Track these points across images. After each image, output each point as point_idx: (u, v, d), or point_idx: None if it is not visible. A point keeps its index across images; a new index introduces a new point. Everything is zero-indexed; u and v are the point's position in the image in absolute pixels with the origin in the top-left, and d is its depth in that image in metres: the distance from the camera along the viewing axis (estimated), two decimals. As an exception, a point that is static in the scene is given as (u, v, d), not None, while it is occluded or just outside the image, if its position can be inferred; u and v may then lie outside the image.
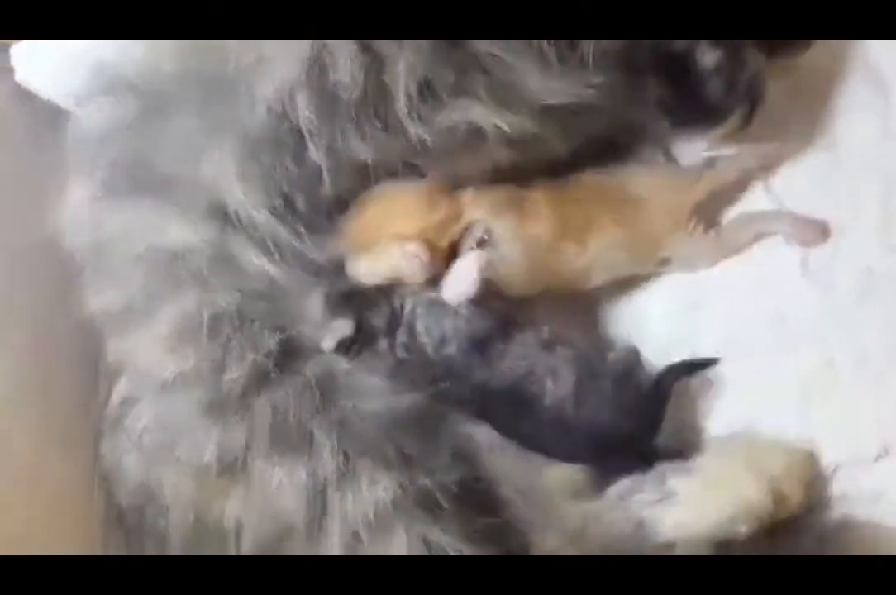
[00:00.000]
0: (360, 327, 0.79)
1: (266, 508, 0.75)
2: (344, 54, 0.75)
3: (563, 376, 0.79)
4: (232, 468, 0.75)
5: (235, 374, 0.76)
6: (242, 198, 0.77)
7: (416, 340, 0.80)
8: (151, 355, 0.78)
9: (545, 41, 0.75)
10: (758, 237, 0.84)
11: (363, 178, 0.80)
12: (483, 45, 0.75)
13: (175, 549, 0.78)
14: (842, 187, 0.84)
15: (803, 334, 0.83)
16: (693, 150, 0.86)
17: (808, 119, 0.84)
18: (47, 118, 0.89)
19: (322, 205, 0.80)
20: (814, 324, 0.83)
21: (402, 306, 0.81)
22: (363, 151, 0.77)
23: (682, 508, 0.78)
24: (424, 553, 0.73)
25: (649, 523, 0.78)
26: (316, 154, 0.77)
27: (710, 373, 0.83)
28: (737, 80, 0.78)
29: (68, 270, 0.81)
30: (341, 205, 0.80)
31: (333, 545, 0.74)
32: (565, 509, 0.80)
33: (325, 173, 0.78)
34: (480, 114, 0.77)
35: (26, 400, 0.81)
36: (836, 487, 0.80)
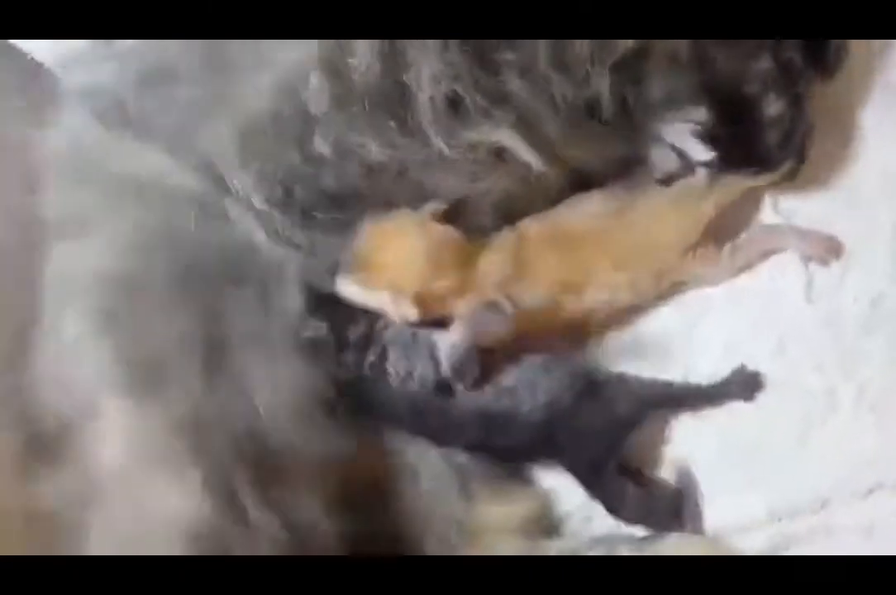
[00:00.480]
0: (332, 333, 0.77)
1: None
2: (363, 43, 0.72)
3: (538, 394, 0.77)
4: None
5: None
6: (239, 177, 0.75)
7: (383, 365, 0.78)
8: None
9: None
10: (768, 253, 0.82)
11: (369, 178, 0.77)
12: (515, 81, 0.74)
13: None
14: (854, 213, 0.82)
15: (805, 361, 0.81)
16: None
17: (825, 141, 0.82)
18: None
19: (321, 200, 0.77)
20: (816, 351, 0.81)
21: (380, 328, 0.78)
22: (374, 149, 0.75)
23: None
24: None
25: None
26: (322, 145, 0.74)
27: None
28: (794, 132, 0.78)
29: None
30: (341, 203, 0.77)
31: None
32: (498, 543, 0.78)
33: (328, 168, 0.75)
34: (507, 136, 0.76)
35: None
36: (828, 519, 0.77)
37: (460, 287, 0.78)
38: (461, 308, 0.77)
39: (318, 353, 0.75)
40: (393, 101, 0.74)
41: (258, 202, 0.75)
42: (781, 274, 0.83)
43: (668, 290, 0.83)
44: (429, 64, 0.73)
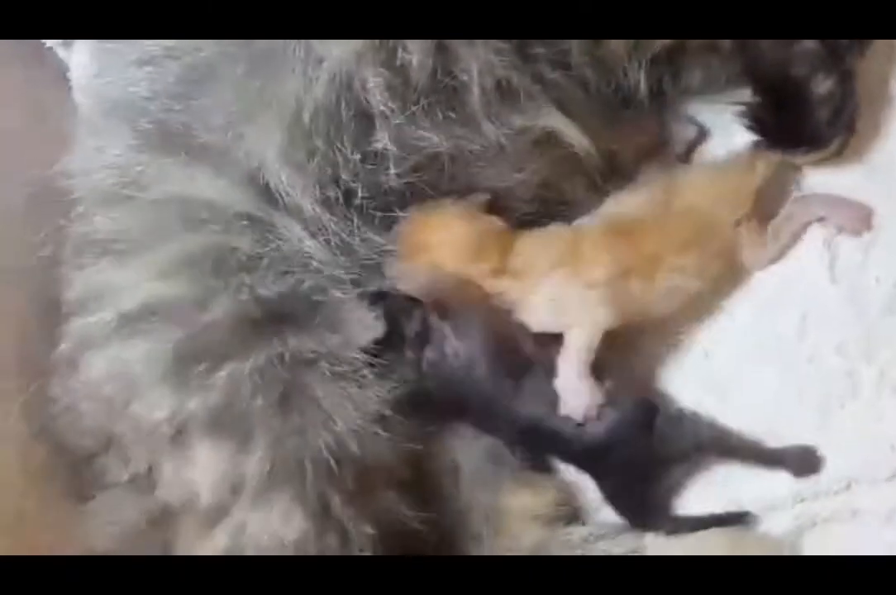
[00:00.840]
0: (390, 331, 0.76)
1: (185, 483, 0.71)
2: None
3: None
4: (179, 433, 0.71)
5: (216, 316, 0.71)
6: (286, 182, 0.73)
7: (445, 360, 0.77)
8: (130, 281, 0.73)
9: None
10: (806, 226, 0.82)
11: (433, 169, 0.76)
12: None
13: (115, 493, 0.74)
14: (881, 194, 0.82)
15: (827, 343, 0.81)
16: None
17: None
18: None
19: (384, 197, 0.76)
20: (838, 332, 0.81)
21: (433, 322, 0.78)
22: (434, 139, 0.74)
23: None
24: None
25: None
26: (384, 138, 0.73)
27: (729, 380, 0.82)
28: (844, 108, 0.78)
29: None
30: (404, 198, 0.76)
31: (217, 541, 0.70)
32: (523, 532, 0.79)
33: (391, 161, 0.73)
34: (558, 120, 0.76)
35: None
36: (852, 501, 0.79)
37: (499, 271, 0.78)
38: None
39: (383, 358, 0.76)
40: (447, 92, 0.73)
41: (309, 208, 0.74)
42: (805, 254, 0.83)
43: (730, 276, 0.83)
44: (477, 55, 0.73)
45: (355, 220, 0.75)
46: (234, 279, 0.73)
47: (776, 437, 0.80)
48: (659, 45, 0.75)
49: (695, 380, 0.83)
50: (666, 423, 0.78)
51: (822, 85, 0.77)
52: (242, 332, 0.72)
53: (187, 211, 0.74)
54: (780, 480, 0.80)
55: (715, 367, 0.83)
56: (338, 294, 0.75)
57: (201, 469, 0.69)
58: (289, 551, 0.68)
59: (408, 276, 0.76)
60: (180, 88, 0.75)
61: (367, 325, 0.75)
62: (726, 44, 0.77)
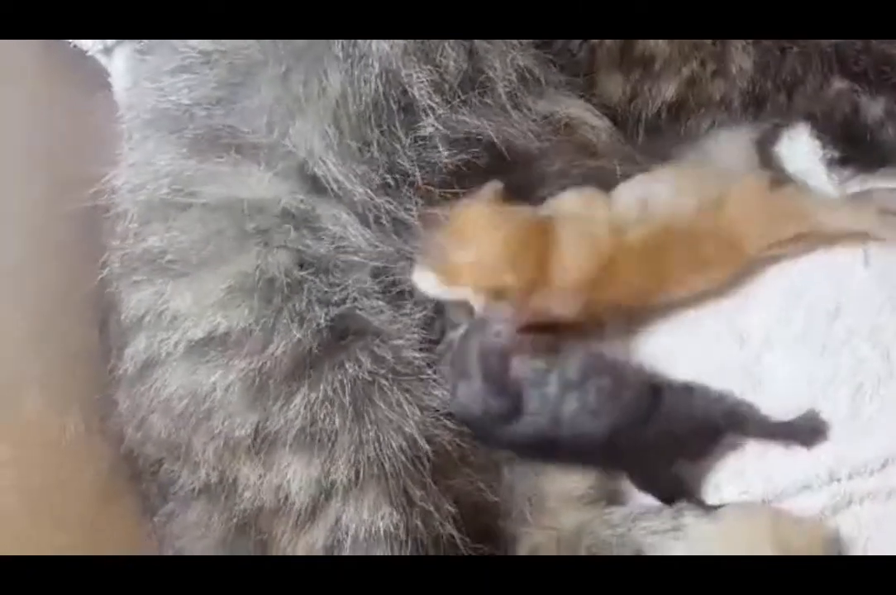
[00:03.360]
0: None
1: (274, 488, 0.75)
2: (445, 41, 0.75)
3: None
4: (261, 447, 0.75)
5: (280, 349, 0.75)
6: (335, 169, 0.76)
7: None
8: (193, 309, 0.76)
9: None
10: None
11: (484, 149, 0.78)
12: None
13: (184, 497, 0.78)
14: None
15: (860, 326, 0.83)
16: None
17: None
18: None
19: (440, 177, 0.78)
20: (871, 316, 0.83)
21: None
22: (477, 123, 0.77)
23: (688, 547, 0.78)
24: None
25: (648, 552, 0.78)
26: (431, 124, 0.76)
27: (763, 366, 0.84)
28: None
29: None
30: (461, 176, 0.79)
31: (314, 543, 0.75)
32: (564, 512, 0.82)
33: (439, 142, 0.76)
34: (580, 108, 0.79)
35: (35, 352, 0.79)
36: (887, 480, 0.81)
37: (535, 281, 0.78)
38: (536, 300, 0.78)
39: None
40: (479, 86, 0.77)
41: (362, 193, 0.76)
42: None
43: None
44: (500, 51, 0.76)
45: (414, 199, 0.78)
46: (287, 310, 0.75)
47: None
48: (659, 101, 0.80)
49: (730, 366, 0.85)
50: (674, 400, 0.79)
51: (872, 109, 0.79)
52: (306, 362, 0.75)
53: (236, 219, 0.76)
54: (814, 459, 0.82)
55: (749, 354, 0.85)
56: (381, 303, 0.78)
57: (291, 476, 0.74)
58: (381, 539, 0.74)
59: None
60: (222, 93, 0.77)
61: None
62: (736, 102, 0.81)
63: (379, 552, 0.74)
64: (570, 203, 0.82)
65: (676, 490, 0.81)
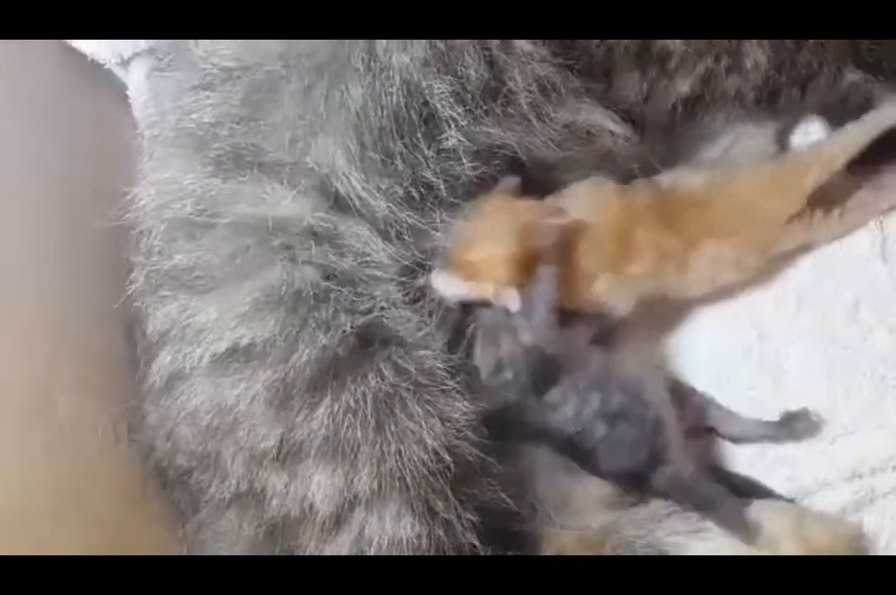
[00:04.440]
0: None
1: (299, 497, 0.76)
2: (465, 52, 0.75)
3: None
4: (287, 457, 0.76)
5: (304, 357, 0.75)
6: (358, 185, 0.76)
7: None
8: (217, 322, 0.76)
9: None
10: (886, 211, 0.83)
11: (505, 161, 0.79)
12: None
13: (215, 506, 0.79)
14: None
15: (879, 321, 0.83)
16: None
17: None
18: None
19: (463, 188, 0.79)
20: (890, 311, 0.83)
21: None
22: (500, 133, 0.77)
23: (712, 547, 0.78)
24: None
25: (670, 552, 0.78)
26: (454, 136, 0.76)
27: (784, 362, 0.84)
28: None
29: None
30: (484, 187, 0.79)
31: (340, 544, 0.76)
32: (590, 514, 0.82)
33: (463, 154, 0.77)
34: (601, 115, 0.79)
35: (66, 359, 0.79)
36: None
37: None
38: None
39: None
40: (500, 96, 0.77)
41: (384, 207, 0.77)
42: (856, 235, 0.84)
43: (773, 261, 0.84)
44: (519, 62, 0.77)
45: (438, 212, 0.78)
46: (313, 319, 0.76)
47: (832, 417, 0.82)
48: (674, 97, 0.80)
49: (750, 361, 0.85)
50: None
51: (887, 100, 0.79)
52: (329, 371, 0.75)
53: (261, 236, 0.77)
54: (835, 457, 0.82)
55: (770, 349, 0.85)
56: (407, 312, 0.79)
57: (316, 486, 0.75)
58: (404, 550, 0.74)
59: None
60: (244, 110, 0.77)
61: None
62: (749, 98, 0.81)
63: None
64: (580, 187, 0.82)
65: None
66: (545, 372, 0.79)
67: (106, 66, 0.91)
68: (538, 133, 0.79)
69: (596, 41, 0.79)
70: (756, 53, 0.79)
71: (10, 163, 0.78)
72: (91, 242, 0.82)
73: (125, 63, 0.92)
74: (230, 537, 0.78)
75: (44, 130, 0.84)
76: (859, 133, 0.81)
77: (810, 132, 0.88)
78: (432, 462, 0.75)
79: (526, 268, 0.78)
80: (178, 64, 0.82)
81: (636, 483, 0.80)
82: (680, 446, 0.79)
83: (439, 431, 0.76)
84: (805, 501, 0.82)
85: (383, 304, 0.78)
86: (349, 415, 0.75)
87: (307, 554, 0.76)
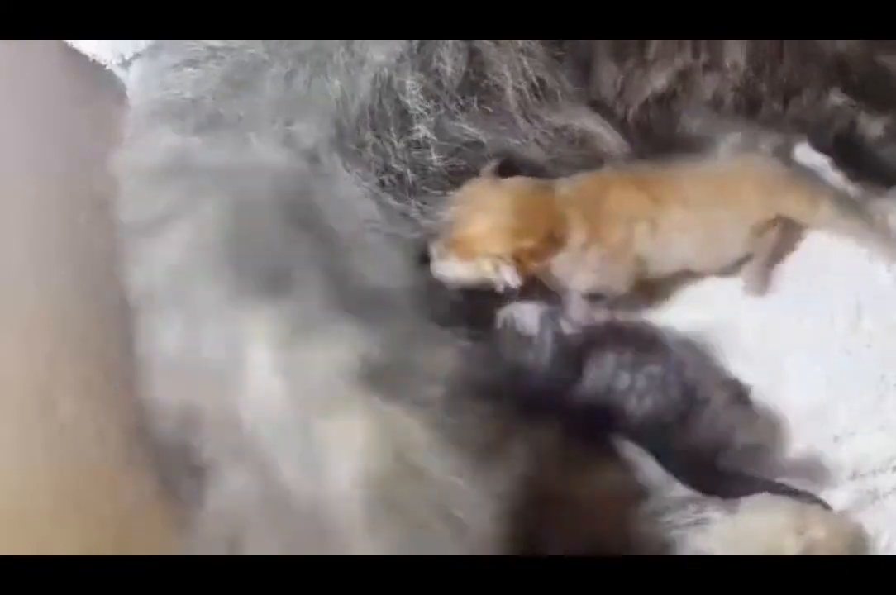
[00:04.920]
0: None
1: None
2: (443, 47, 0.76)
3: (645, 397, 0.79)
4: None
5: None
6: (339, 166, 0.77)
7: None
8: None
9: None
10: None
11: (476, 154, 0.80)
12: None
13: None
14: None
15: (881, 324, 0.84)
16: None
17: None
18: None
19: (433, 179, 0.79)
20: (892, 314, 0.84)
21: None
22: (473, 130, 0.78)
23: (712, 540, 0.78)
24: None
25: (674, 546, 0.78)
26: (424, 130, 0.77)
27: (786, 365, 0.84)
28: None
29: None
30: (455, 178, 0.80)
31: None
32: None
33: (432, 148, 0.78)
34: (595, 122, 0.79)
35: (67, 358, 0.78)
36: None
37: (550, 238, 0.80)
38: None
39: None
40: (481, 92, 0.78)
41: (361, 188, 0.78)
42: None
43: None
44: (509, 58, 0.77)
45: (411, 199, 0.79)
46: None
47: (833, 417, 0.83)
48: (648, 91, 0.81)
49: (753, 364, 0.85)
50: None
51: (872, 127, 0.79)
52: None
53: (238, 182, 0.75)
54: (837, 456, 0.82)
55: (772, 352, 0.85)
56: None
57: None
58: None
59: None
60: (227, 88, 0.79)
61: None
62: (727, 101, 0.81)
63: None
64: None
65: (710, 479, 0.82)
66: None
67: (107, 67, 0.91)
68: (521, 133, 0.79)
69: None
70: (735, 53, 0.79)
71: (11, 163, 0.78)
72: (91, 242, 0.82)
73: (126, 64, 0.92)
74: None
75: (44, 131, 0.84)
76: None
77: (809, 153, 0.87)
78: None
79: (522, 239, 0.79)
80: (168, 45, 0.83)
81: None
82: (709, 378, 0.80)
83: None
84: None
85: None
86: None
87: None
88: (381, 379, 0.65)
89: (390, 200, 0.78)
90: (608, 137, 0.81)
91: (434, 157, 0.78)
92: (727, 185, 0.84)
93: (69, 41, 0.89)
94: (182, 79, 0.80)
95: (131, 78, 0.92)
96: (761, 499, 0.80)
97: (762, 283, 0.85)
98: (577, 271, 0.82)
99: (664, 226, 0.83)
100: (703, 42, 0.79)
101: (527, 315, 0.81)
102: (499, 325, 0.81)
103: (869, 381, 0.83)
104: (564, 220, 0.81)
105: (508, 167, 0.82)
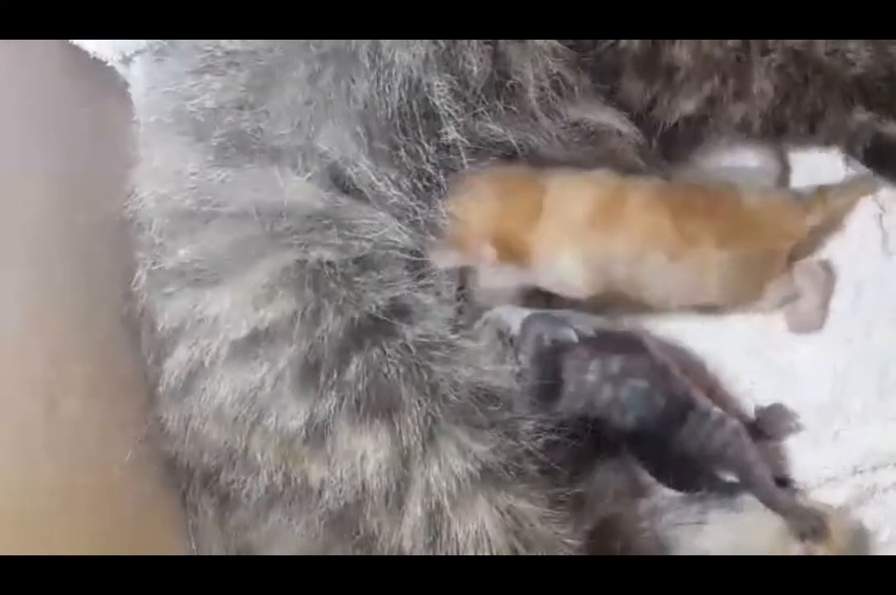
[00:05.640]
0: None
1: (348, 474, 0.73)
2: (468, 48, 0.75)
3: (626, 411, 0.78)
4: (319, 435, 0.73)
5: (331, 328, 0.74)
6: (369, 172, 0.76)
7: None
8: (233, 310, 0.74)
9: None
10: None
11: (506, 155, 0.79)
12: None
13: (259, 503, 0.77)
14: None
15: (882, 315, 0.83)
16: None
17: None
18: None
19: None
20: (893, 305, 0.83)
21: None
22: (499, 131, 0.77)
23: (710, 540, 0.79)
24: (507, 523, 0.73)
25: (671, 546, 0.79)
26: (453, 132, 0.76)
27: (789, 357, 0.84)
28: None
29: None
30: None
31: (416, 519, 0.73)
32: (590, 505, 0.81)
33: (462, 151, 0.77)
34: (610, 115, 0.79)
35: (70, 358, 0.78)
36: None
37: (531, 221, 0.80)
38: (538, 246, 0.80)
39: None
40: (506, 92, 0.77)
41: (394, 195, 0.77)
42: (857, 229, 0.85)
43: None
44: (531, 57, 0.76)
45: (441, 203, 0.79)
46: (335, 294, 0.75)
47: (837, 410, 0.83)
48: (678, 115, 0.80)
49: (756, 358, 0.85)
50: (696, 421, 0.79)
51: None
52: (359, 331, 0.74)
53: (267, 222, 0.75)
54: (839, 454, 0.82)
55: (775, 345, 0.85)
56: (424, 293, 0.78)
57: (361, 456, 0.72)
58: (477, 480, 0.72)
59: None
60: (249, 95, 0.76)
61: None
62: (755, 127, 0.81)
63: (483, 493, 0.72)
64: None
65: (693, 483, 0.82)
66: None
67: (108, 64, 0.91)
68: (544, 130, 0.79)
69: (604, 43, 0.78)
70: (763, 81, 0.79)
71: (11, 162, 0.78)
72: (93, 241, 0.82)
73: (127, 61, 0.91)
74: (282, 537, 0.76)
75: (45, 129, 0.83)
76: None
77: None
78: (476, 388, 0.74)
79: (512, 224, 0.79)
80: (176, 47, 0.81)
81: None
82: (695, 386, 0.79)
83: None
84: (807, 496, 0.82)
85: (406, 283, 0.77)
86: (384, 364, 0.73)
87: (384, 539, 0.73)
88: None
89: (418, 208, 0.77)
90: (624, 130, 0.80)
91: (465, 159, 0.77)
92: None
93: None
94: (201, 87, 0.77)
95: (138, 87, 0.92)
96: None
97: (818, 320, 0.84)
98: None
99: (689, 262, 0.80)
100: (730, 68, 0.79)
101: (514, 316, 0.80)
102: (480, 323, 0.80)
103: (871, 375, 0.83)
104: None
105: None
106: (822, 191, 0.82)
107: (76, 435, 0.75)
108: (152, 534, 0.79)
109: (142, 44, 0.90)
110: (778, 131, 0.82)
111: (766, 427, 0.82)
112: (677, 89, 0.80)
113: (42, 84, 0.86)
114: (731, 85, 0.79)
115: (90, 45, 0.90)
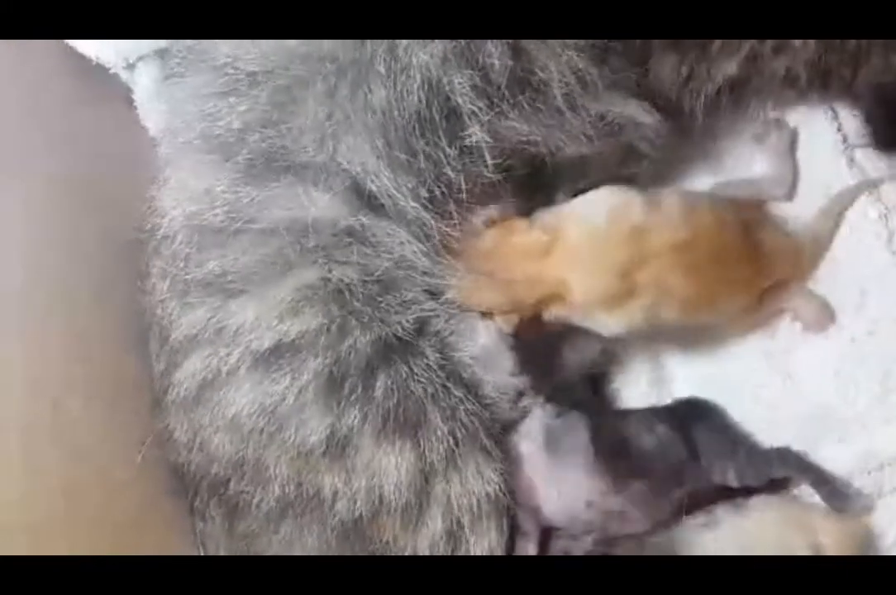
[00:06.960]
0: None
1: (365, 488, 0.74)
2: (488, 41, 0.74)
3: None
4: (340, 449, 0.74)
5: (359, 342, 0.74)
6: (389, 184, 0.75)
7: None
8: (257, 322, 0.74)
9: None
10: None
11: (529, 154, 0.78)
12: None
13: (271, 514, 0.77)
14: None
15: (886, 315, 0.83)
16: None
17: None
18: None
19: (482, 189, 0.78)
20: (896, 302, 0.83)
21: None
22: (525, 128, 0.76)
23: (721, 540, 0.78)
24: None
25: (681, 546, 0.79)
26: (476, 132, 0.75)
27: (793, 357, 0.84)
28: None
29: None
30: (507, 185, 0.78)
31: (434, 530, 0.74)
32: None
33: (486, 152, 0.75)
34: (633, 106, 0.78)
35: (75, 360, 0.79)
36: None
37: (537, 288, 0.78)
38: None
39: None
40: (530, 88, 0.76)
41: (412, 209, 0.76)
42: (861, 230, 0.85)
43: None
44: (555, 53, 0.75)
45: (456, 213, 0.77)
46: (361, 312, 0.75)
47: (840, 411, 0.83)
48: (720, 79, 0.79)
49: (759, 358, 0.85)
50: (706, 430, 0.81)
51: None
52: (387, 348, 0.75)
53: (295, 239, 0.75)
54: (845, 454, 0.82)
55: (778, 345, 0.85)
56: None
57: (383, 472, 0.73)
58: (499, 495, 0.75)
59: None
60: (272, 114, 0.76)
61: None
62: (803, 77, 0.80)
63: (495, 518, 0.75)
64: (598, 205, 0.79)
65: None
66: None
67: (112, 70, 0.91)
68: (571, 127, 0.77)
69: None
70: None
71: (13, 164, 0.78)
72: (97, 243, 0.82)
73: (131, 67, 0.92)
74: (293, 547, 0.76)
75: (46, 132, 0.83)
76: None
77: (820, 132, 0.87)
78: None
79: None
80: (195, 69, 0.80)
81: None
82: None
83: None
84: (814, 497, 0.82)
85: (424, 305, 0.77)
86: (412, 382, 0.74)
87: (399, 551, 0.74)
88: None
89: (433, 222, 0.76)
90: (647, 121, 0.79)
91: (489, 162, 0.76)
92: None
93: (72, 44, 0.89)
94: (226, 109, 0.76)
95: (139, 84, 0.92)
96: (769, 499, 0.81)
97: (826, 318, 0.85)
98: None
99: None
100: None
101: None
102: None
103: (875, 375, 0.82)
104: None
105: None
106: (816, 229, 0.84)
107: (80, 436, 0.75)
108: (156, 536, 0.79)
109: (145, 49, 0.90)
110: (823, 82, 0.81)
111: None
112: (715, 56, 0.78)
113: (43, 85, 0.86)
114: (769, 42, 0.78)
115: (93, 52, 0.90)
